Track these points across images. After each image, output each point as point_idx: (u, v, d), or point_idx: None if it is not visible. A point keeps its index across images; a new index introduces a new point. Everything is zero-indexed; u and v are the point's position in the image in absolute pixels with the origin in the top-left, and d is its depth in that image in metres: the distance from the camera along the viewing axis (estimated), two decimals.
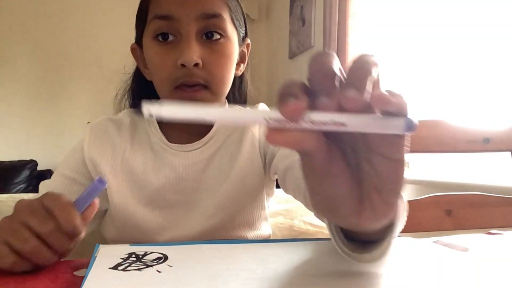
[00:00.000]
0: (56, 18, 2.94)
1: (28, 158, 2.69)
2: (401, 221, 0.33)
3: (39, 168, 2.70)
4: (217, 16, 0.60)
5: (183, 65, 0.58)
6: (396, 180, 0.26)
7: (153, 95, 0.69)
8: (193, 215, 0.65)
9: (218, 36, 0.60)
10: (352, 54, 1.89)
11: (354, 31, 1.89)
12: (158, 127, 0.67)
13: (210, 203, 0.66)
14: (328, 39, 2.09)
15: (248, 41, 0.71)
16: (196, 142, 0.67)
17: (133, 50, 0.69)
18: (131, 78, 0.74)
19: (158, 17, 0.59)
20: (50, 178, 0.66)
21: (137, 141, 0.67)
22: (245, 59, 0.71)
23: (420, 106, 1.73)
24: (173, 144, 0.66)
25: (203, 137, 0.68)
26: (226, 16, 0.61)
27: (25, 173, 2.61)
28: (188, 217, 0.65)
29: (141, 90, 0.73)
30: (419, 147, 0.86)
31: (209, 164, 0.67)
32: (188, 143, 0.67)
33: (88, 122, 0.69)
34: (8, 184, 2.48)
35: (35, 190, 0.62)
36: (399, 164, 0.26)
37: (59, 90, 2.94)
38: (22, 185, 2.56)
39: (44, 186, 0.64)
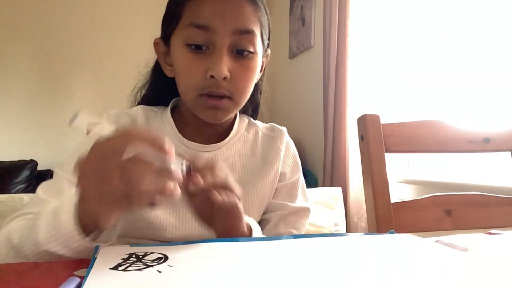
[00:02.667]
0: (57, 18, 2.94)
1: (28, 158, 2.69)
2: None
3: (39, 168, 2.70)
4: (250, 32, 0.61)
5: (212, 76, 0.59)
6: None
7: (170, 90, 0.70)
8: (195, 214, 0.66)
9: (248, 52, 0.62)
10: (352, 54, 1.89)
11: (354, 31, 1.89)
12: (174, 125, 0.69)
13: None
14: (328, 39, 2.09)
15: (269, 51, 0.73)
16: (211, 144, 0.69)
17: (156, 44, 0.69)
18: (150, 73, 0.75)
19: (195, 26, 0.59)
20: (51, 178, 0.66)
21: None
22: (263, 67, 0.73)
23: (420, 106, 1.74)
24: (188, 141, 0.68)
25: (219, 140, 0.70)
26: (257, 32, 0.63)
27: (25, 173, 2.61)
28: (189, 216, 0.66)
29: (159, 84, 0.74)
30: (419, 147, 0.86)
31: None
32: (202, 144, 0.69)
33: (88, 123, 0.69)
34: (8, 184, 2.48)
35: (35, 190, 0.62)
36: None
37: (60, 90, 2.94)
38: (22, 185, 2.56)
39: (64, 168, 0.64)
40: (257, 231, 0.59)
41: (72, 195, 0.45)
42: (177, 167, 0.42)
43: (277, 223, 0.71)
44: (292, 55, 2.78)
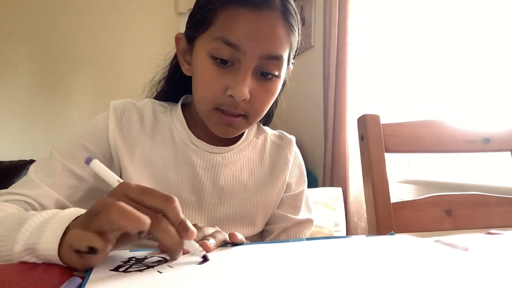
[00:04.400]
0: (57, 17, 2.93)
1: (28, 158, 2.69)
2: None
3: None
4: (279, 58, 0.59)
5: (231, 95, 0.57)
6: None
7: (185, 87, 0.69)
8: (204, 218, 0.66)
9: (272, 76, 0.60)
10: (352, 54, 1.89)
11: (354, 31, 1.89)
12: (184, 122, 0.67)
13: (222, 210, 0.67)
14: (328, 39, 2.09)
15: (292, 67, 0.70)
16: (221, 147, 0.68)
17: (177, 39, 0.66)
18: (168, 66, 0.73)
19: (225, 42, 0.56)
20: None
21: (159, 135, 0.67)
22: (284, 83, 0.72)
23: (420, 106, 1.74)
24: (199, 141, 0.67)
25: (227, 143, 0.69)
26: (285, 56, 0.60)
27: (25, 173, 2.60)
28: (197, 219, 0.66)
29: (175, 80, 0.72)
30: (419, 147, 0.86)
31: (227, 171, 0.68)
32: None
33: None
34: (8, 184, 2.43)
35: None
36: None
37: (60, 90, 2.93)
38: None
39: (61, 151, 0.62)
40: None
41: (56, 229, 0.39)
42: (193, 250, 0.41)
43: (279, 235, 0.71)
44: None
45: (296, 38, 0.62)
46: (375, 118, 0.84)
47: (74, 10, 2.98)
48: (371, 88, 1.85)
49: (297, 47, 0.65)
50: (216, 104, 0.59)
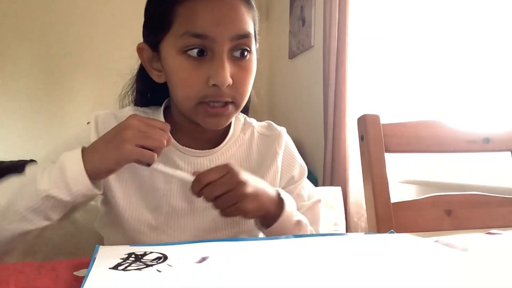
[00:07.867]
0: (57, 18, 2.93)
1: (28, 158, 2.69)
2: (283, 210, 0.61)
3: None
4: (248, 36, 0.59)
5: (214, 85, 0.57)
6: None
7: (159, 95, 0.68)
8: (195, 223, 0.65)
9: (246, 53, 0.60)
10: (352, 54, 1.89)
11: (354, 31, 1.89)
12: None
13: (213, 213, 0.64)
14: (328, 39, 2.09)
15: (257, 44, 0.70)
16: (207, 150, 0.67)
17: (140, 49, 0.66)
18: (135, 77, 0.73)
19: (192, 35, 0.56)
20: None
21: None
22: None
23: (420, 106, 1.74)
24: (183, 147, 0.66)
25: (213, 146, 0.68)
26: (252, 32, 0.61)
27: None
28: (191, 225, 0.65)
29: (145, 89, 0.72)
30: (419, 147, 0.86)
31: None
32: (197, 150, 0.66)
33: (88, 123, 0.68)
34: None
35: None
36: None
37: (60, 90, 2.93)
38: None
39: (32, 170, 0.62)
40: (287, 198, 0.64)
41: (74, 152, 0.54)
42: None
43: None
44: (292, 55, 2.78)
45: (255, 12, 0.63)
46: (375, 118, 0.84)
47: (76, 10, 2.98)
48: (371, 88, 1.85)
49: (257, 20, 0.67)
50: (201, 98, 0.59)
